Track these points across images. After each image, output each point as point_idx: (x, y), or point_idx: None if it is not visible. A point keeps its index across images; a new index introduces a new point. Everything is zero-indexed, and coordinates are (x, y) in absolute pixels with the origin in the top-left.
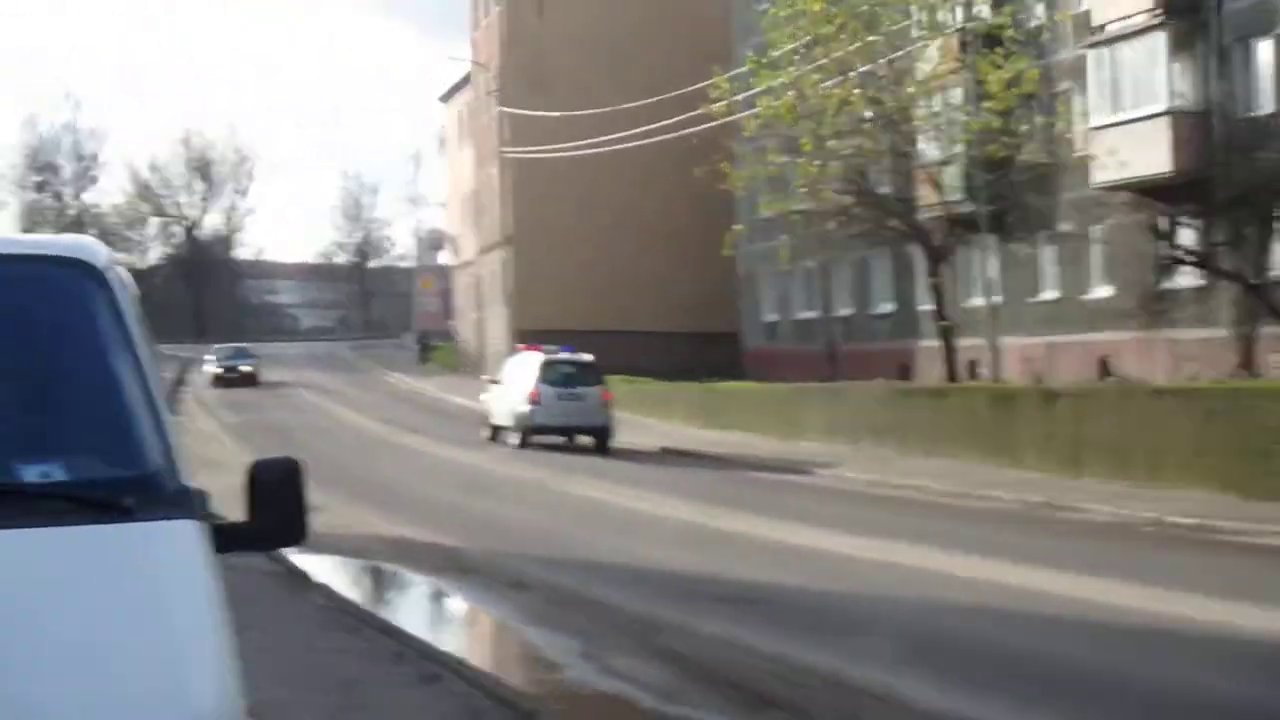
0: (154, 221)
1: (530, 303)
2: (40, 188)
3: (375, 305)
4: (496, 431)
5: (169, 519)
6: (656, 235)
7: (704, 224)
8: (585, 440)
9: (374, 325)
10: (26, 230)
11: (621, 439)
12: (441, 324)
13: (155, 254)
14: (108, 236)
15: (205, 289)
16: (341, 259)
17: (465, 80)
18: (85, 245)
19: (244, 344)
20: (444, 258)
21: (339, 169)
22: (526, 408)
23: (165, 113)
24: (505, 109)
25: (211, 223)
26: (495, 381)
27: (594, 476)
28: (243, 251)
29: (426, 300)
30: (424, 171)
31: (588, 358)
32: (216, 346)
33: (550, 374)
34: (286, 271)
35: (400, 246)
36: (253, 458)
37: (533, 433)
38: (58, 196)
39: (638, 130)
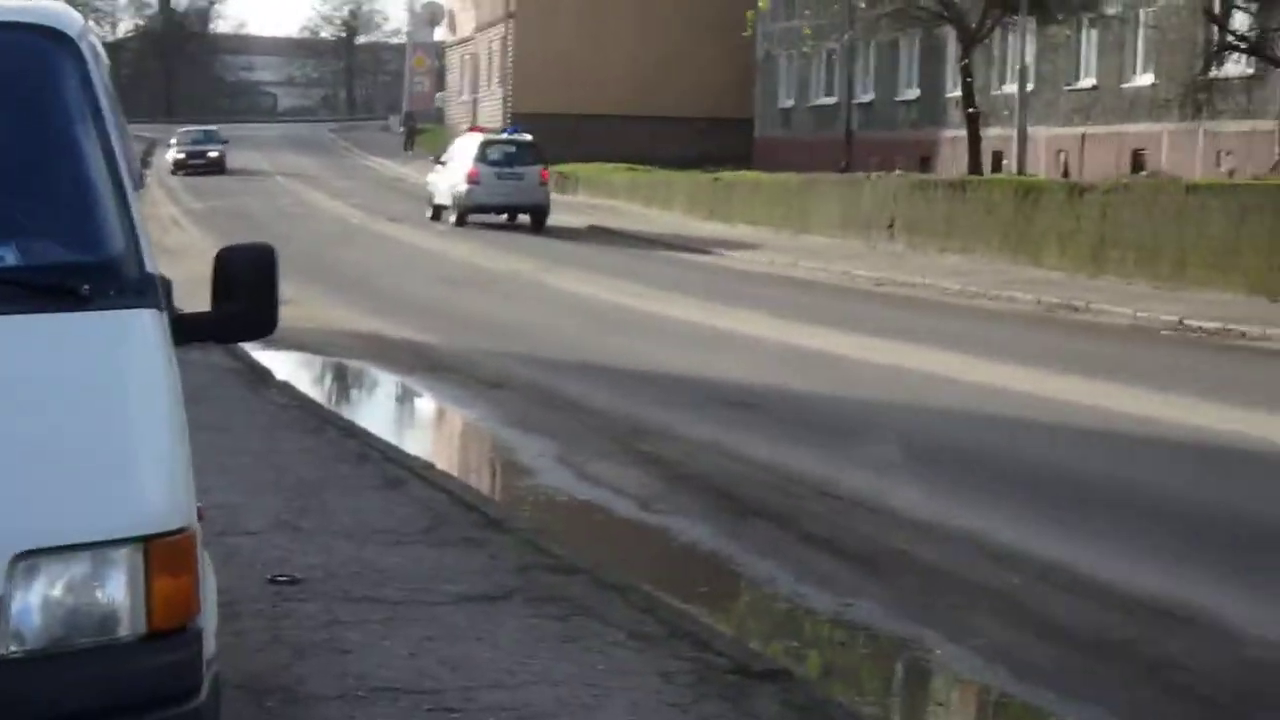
0: None
1: (529, 84)
2: None
3: (361, 85)
4: (439, 211)
5: (128, 308)
6: (671, 13)
7: (722, 0)
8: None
9: (359, 106)
10: None
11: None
12: (431, 106)
13: (125, 26)
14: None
15: (178, 65)
16: (327, 34)
17: None
18: (57, 12)
19: (212, 126)
20: (440, 34)
21: None
22: (464, 187)
23: None
24: None
25: None
26: (441, 162)
27: (530, 256)
28: (220, 26)
29: (418, 80)
30: None
31: (527, 138)
32: (181, 130)
33: (490, 153)
34: (265, 46)
35: (393, 21)
36: (218, 245)
37: (470, 211)
38: None
39: None
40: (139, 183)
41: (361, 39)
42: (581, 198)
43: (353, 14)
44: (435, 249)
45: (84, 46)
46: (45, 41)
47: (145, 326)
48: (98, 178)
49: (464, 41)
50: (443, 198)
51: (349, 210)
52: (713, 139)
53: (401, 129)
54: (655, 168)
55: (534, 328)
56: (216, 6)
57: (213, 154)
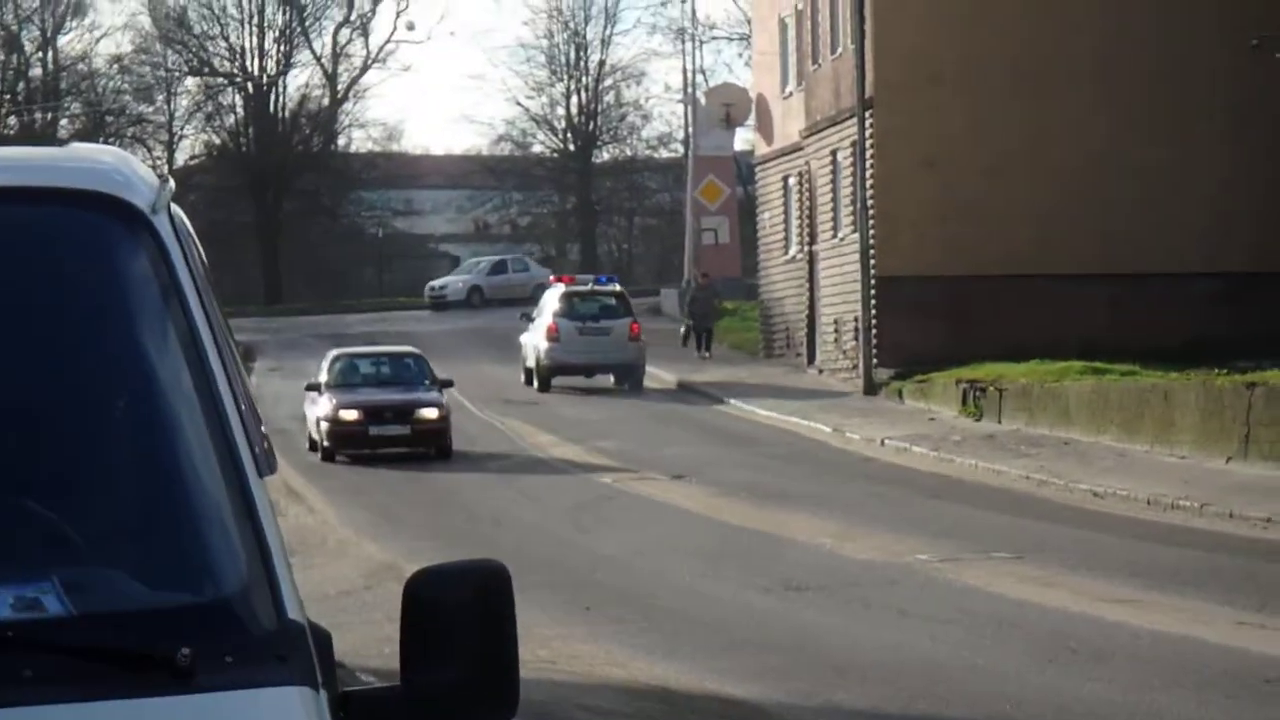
0: (190, 85)
1: (900, 225)
2: None
3: (601, 234)
4: (530, 375)
5: (258, 686)
6: (1159, 105)
7: (1263, 88)
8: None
9: (597, 269)
10: None
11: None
12: (734, 267)
13: (191, 146)
14: (112, 127)
15: (284, 206)
16: (539, 147)
17: None
18: (114, 167)
19: (396, 348)
20: (741, 142)
21: None
22: (544, 344)
23: None
24: None
25: (296, 84)
26: (531, 318)
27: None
28: (355, 143)
29: (708, 225)
30: None
31: (615, 287)
32: (335, 355)
33: (571, 307)
34: (430, 174)
35: (655, 121)
36: (375, 537)
37: (553, 373)
38: (9, 39)
39: None
40: (266, 459)
41: (601, 151)
42: (1008, 425)
43: (582, 110)
44: (746, 523)
45: (159, 224)
46: (104, 220)
47: (291, 715)
48: (196, 453)
49: (781, 156)
50: (530, 360)
51: (593, 458)
52: (1238, 309)
53: (685, 313)
54: (1134, 365)
55: (970, 678)
56: (348, 109)
57: (428, 413)
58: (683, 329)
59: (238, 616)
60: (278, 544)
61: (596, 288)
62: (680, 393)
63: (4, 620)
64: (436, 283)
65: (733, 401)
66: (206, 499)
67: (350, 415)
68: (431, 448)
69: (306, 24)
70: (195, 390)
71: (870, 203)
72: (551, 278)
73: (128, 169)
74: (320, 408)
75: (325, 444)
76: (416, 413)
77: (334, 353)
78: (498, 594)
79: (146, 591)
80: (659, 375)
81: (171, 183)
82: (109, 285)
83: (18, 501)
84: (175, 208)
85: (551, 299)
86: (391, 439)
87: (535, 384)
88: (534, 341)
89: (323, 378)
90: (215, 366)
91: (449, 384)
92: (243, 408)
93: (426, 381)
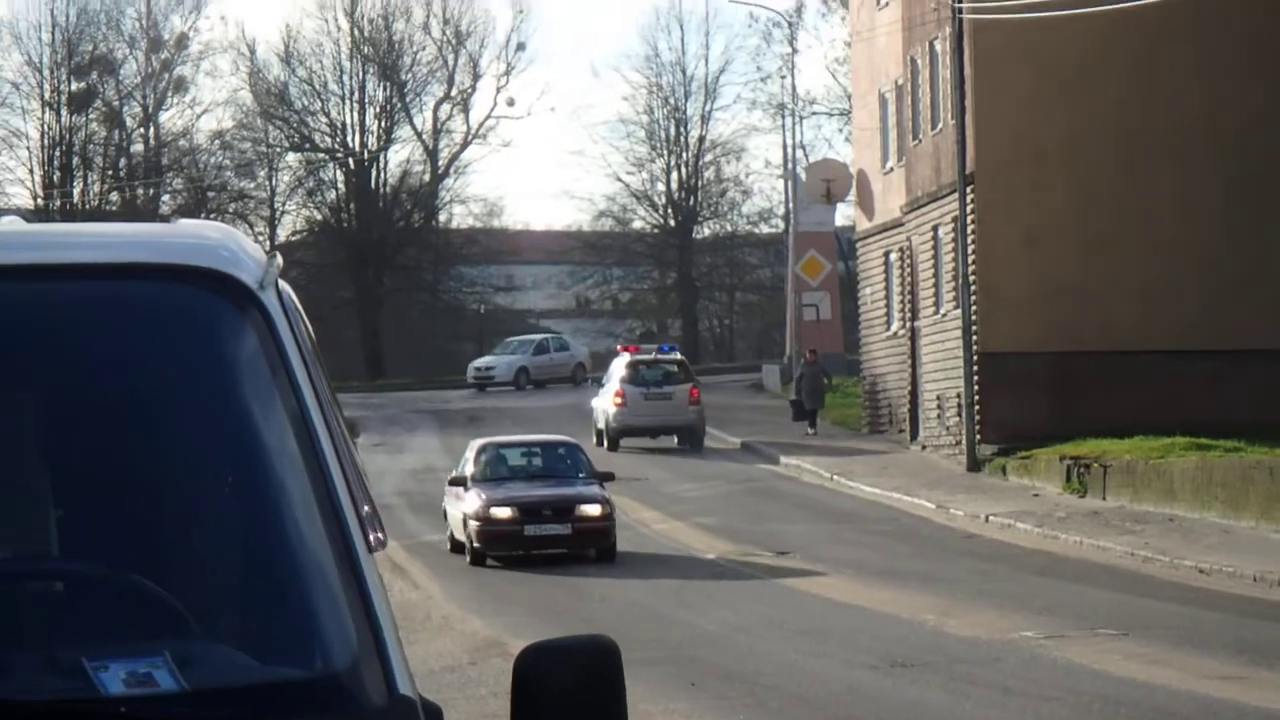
0: (291, 160)
1: (1002, 300)
2: (83, 101)
3: (701, 309)
4: (600, 436)
5: None
6: (1264, 180)
7: None
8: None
9: (700, 345)
10: (43, 212)
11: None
12: (835, 343)
13: (292, 221)
14: (214, 203)
15: (383, 283)
16: (639, 223)
17: None
18: (221, 242)
19: (549, 437)
20: (841, 218)
21: (623, 55)
22: (613, 409)
23: None
24: None
25: (397, 160)
26: (601, 384)
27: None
28: (457, 219)
29: (809, 300)
30: (802, 51)
31: (676, 356)
32: (481, 445)
33: (637, 374)
34: (533, 249)
35: (756, 197)
36: (482, 614)
37: (621, 434)
38: (111, 115)
39: None
40: (376, 534)
41: (705, 229)
42: (1113, 501)
43: (680, 187)
44: (850, 600)
45: (267, 301)
46: (213, 296)
47: None
48: (305, 527)
49: (883, 231)
50: (600, 423)
51: (700, 538)
52: None
53: (793, 389)
54: (1239, 441)
55: None
56: (449, 184)
57: (589, 509)
58: (792, 407)
59: (349, 691)
60: (388, 618)
61: (659, 356)
62: (784, 469)
63: (117, 696)
64: (481, 363)
65: (836, 478)
66: (316, 573)
67: (503, 513)
68: (593, 549)
69: (407, 100)
70: (304, 465)
71: (972, 278)
72: (619, 347)
73: (235, 245)
74: (467, 504)
75: (475, 545)
76: (577, 509)
77: (480, 442)
78: (608, 670)
79: (258, 666)
80: (762, 450)
81: (279, 258)
82: (218, 361)
83: (129, 576)
84: (283, 283)
85: (619, 367)
86: (550, 539)
87: (605, 444)
88: (603, 406)
89: (468, 470)
90: (324, 442)
91: (609, 477)
92: (352, 483)
93: (583, 474)
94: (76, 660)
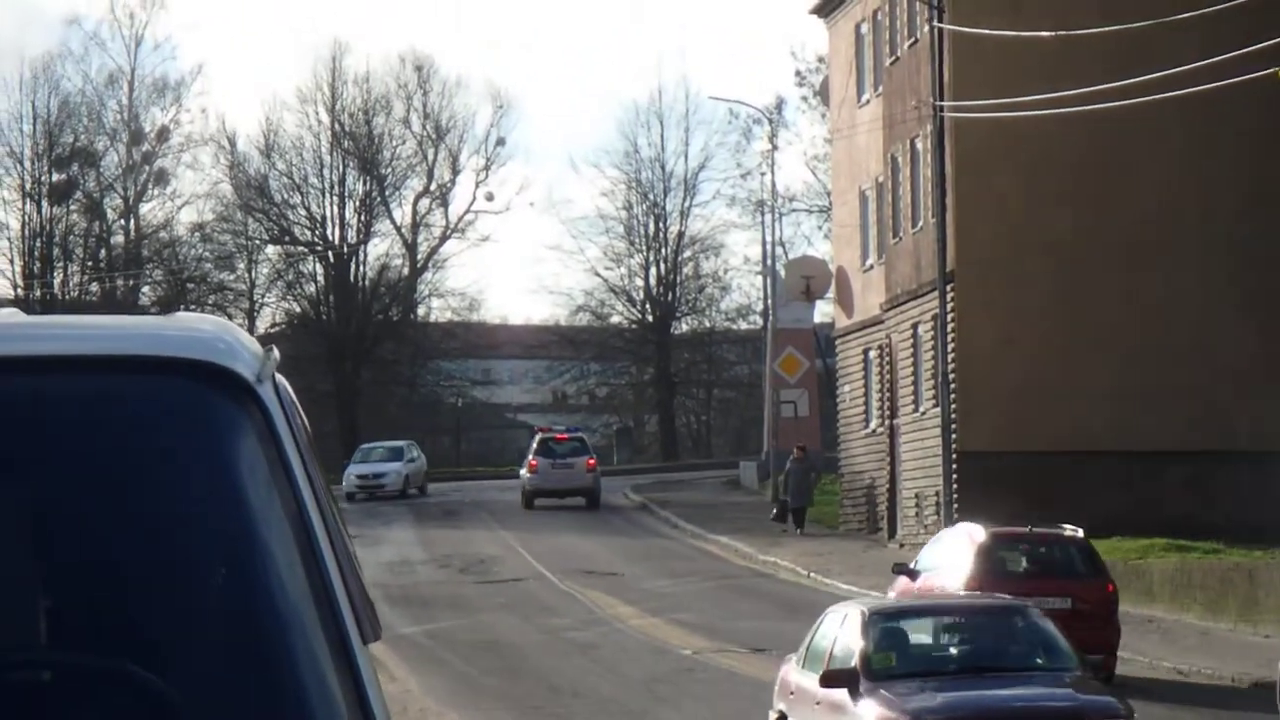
0: (271, 253)
1: (982, 399)
2: (63, 193)
3: (679, 405)
4: (528, 499)
5: None
6: (1249, 284)
7: None
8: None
9: (689, 442)
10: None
11: None
12: (813, 440)
13: (271, 314)
14: (194, 294)
15: (361, 376)
16: (617, 318)
17: None
18: (217, 335)
19: (990, 599)
20: (820, 315)
21: (603, 151)
22: (527, 474)
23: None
24: (942, 25)
25: (376, 254)
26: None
27: None
28: (434, 312)
29: (788, 398)
30: (782, 148)
31: (578, 433)
32: (872, 611)
33: (547, 448)
34: (507, 343)
35: (734, 293)
36: (458, 706)
37: (535, 495)
38: (92, 207)
39: (1197, 64)
40: (370, 625)
41: (683, 325)
42: None
43: (661, 282)
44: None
45: (264, 395)
46: (209, 390)
47: None
48: (301, 621)
49: (861, 329)
50: (522, 484)
51: (676, 634)
52: None
53: (779, 486)
54: (1217, 543)
55: None
56: (428, 278)
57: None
58: (775, 505)
59: None
60: (381, 711)
61: (563, 434)
62: (761, 566)
63: None
64: (367, 470)
65: (813, 574)
66: (311, 665)
67: None
68: None
69: (387, 193)
70: (300, 558)
71: (952, 377)
72: (536, 427)
73: (231, 337)
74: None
75: None
76: None
77: (869, 609)
78: None
79: None
80: (738, 547)
81: (276, 352)
82: (215, 455)
83: (122, 666)
84: (279, 377)
85: (534, 443)
86: None
87: (522, 503)
88: (523, 473)
89: (850, 650)
90: (320, 535)
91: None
92: (347, 575)
93: (1063, 664)
94: None
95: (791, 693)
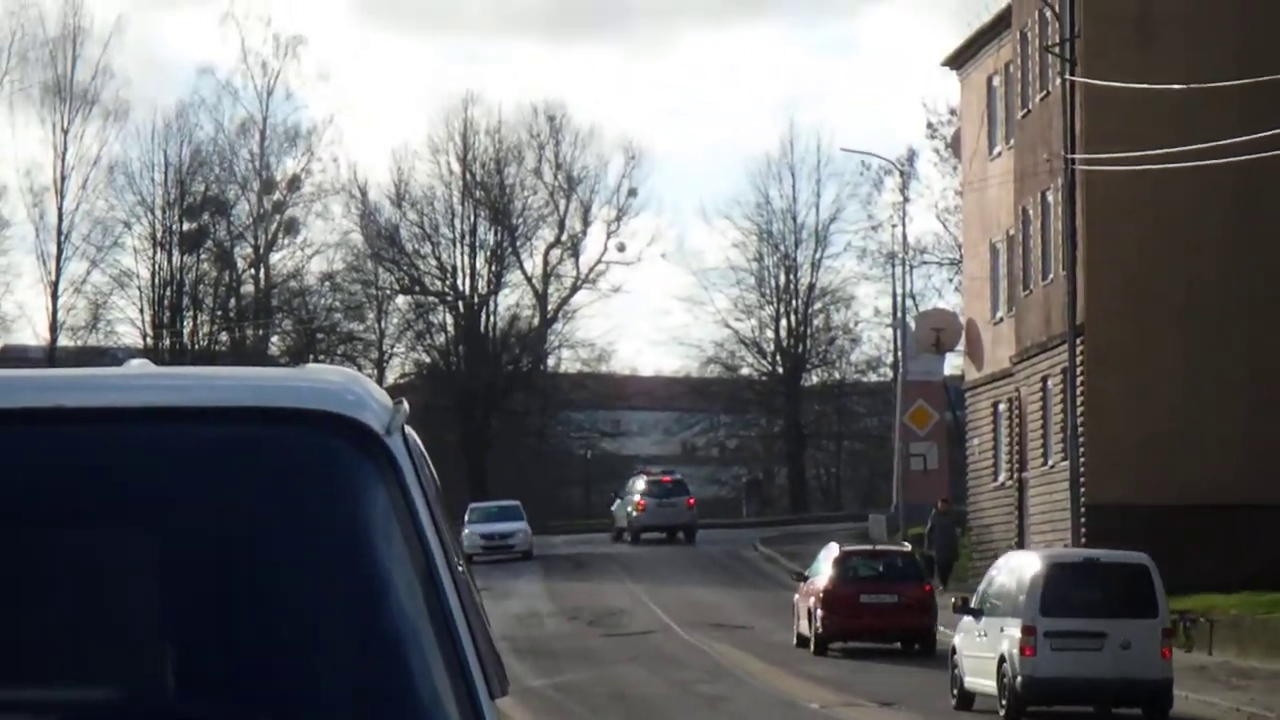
0: (401, 303)
1: (1112, 452)
2: (194, 242)
3: (809, 457)
4: (620, 533)
5: None
6: None
7: None
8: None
9: (807, 493)
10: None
11: None
12: (944, 492)
13: (400, 364)
14: (323, 344)
15: (490, 427)
16: (747, 369)
17: (999, 25)
18: (346, 387)
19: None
20: (950, 367)
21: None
22: (635, 513)
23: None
24: (1074, 78)
25: (506, 304)
26: (621, 497)
27: None
28: (563, 360)
29: (917, 450)
30: (913, 200)
31: (678, 476)
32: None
33: (652, 490)
34: (637, 392)
35: (864, 345)
36: None
37: (641, 530)
38: (222, 256)
39: None
40: (498, 679)
41: (813, 377)
42: (1219, 656)
43: (790, 334)
44: None
45: (395, 446)
46: (338, 441)
47: None
48: (429, 673)
49: (991, 381)
50: (620, 523)
51: (804, 687)
52: None
53: (926, 545)
54: None
55: None
56: (558, 329)
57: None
58: (921, 559)
59: None
60: None
61: (667, 478)
62: None
63: None
64: (491, 529)
65: (943, 629)
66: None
67: None
68: None
69: (518, 244)
70: (429, 612)
71: (1081, 430)
72: (639, 469)
73: (361, 389)
74: None
75: None
76: None
77: None
78: None
79: None
80: None
81: (405, 404)
82: (344, 506)
83: (253, 718)
84: (408, 428)
85: (639, 483)
86: None
87: (629, 539)
88: (625, 510)
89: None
90: (448, 588)
91: None
92: (475, 629)
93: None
94: None
95: None
